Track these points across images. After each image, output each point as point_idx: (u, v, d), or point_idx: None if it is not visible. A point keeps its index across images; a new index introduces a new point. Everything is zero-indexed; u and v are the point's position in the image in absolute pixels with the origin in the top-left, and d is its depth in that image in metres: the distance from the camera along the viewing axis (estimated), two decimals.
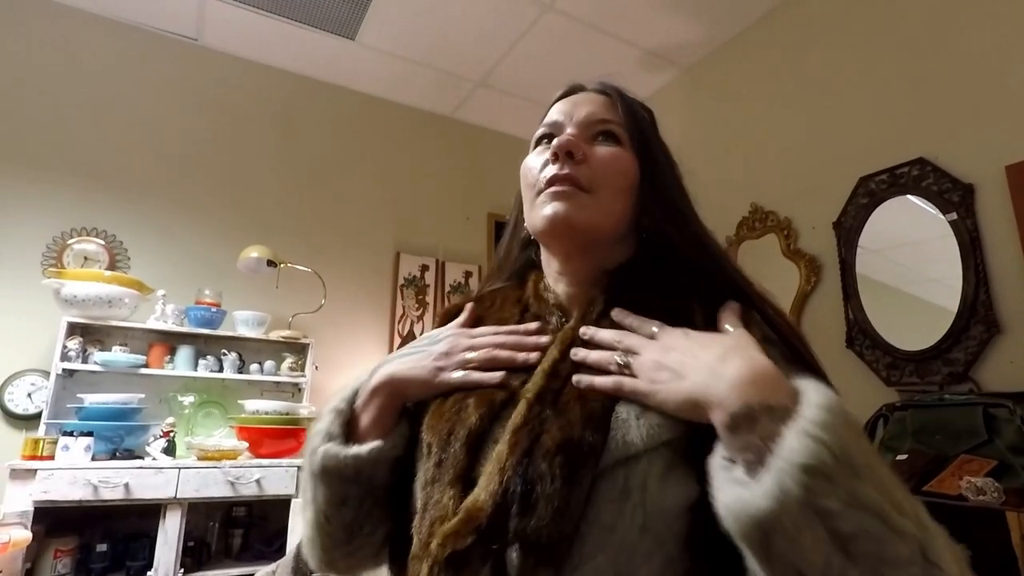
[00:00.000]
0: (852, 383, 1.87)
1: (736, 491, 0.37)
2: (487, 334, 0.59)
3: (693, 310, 0.53)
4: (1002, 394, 1.43)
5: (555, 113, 0.63)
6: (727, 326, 0.49)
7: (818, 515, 0.35)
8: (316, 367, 2.49)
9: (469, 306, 0.65)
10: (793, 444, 0.36)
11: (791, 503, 0.34)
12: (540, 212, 0.57)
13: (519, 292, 0.64)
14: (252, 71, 2.79)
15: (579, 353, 0.52)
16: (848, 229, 1.95)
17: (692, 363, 0.45)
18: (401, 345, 2.78)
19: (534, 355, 0.54)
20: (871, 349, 1.83)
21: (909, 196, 1.80)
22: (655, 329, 0.50)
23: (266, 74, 2.82)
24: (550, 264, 0.62)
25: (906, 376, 1.73)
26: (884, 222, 1.88)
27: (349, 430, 0.57)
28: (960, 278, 1.64)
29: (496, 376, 0.53)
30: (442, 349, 0.58)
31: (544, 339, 0.56)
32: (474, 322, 0.64)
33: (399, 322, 2.88)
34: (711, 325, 0.51)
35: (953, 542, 0.40)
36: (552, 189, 0.56)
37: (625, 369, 0.48)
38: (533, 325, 0.58)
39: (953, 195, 1.68)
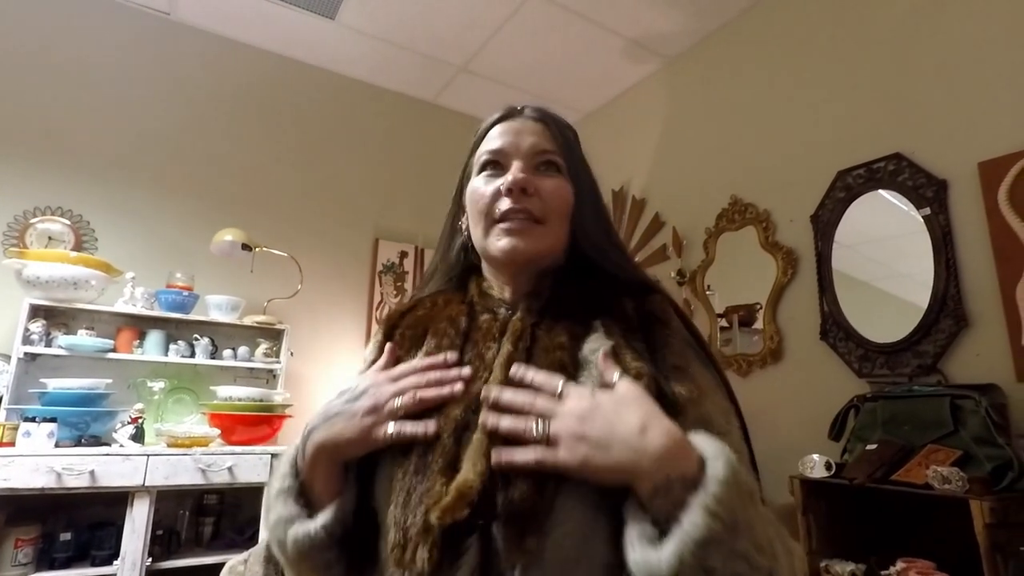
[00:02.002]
0: (825, 374, 1.90)
1: (645, 552, 0.44)
2: (408, 374, 0.59)
3: (623, 302, 0.62)
4: (968, 386, 1.46)
5: (498, 140, 0.67)
6: (613, 377, 0.53)
7: (704, 570, 0.42)
8: (291, 353, 2.45)
9: (389, 347, 0.65)
10: (696, 519, 0.43)
11: (685, 568, 0.42)
12: (498, 244, 0.62)
13: (461, 294, 0.69)
14: (227, 48, 2.71)
15: (490, 420, 0.52)
16: (825, 223, 1.98)
17: (614, 435, 0.48)
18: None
19: (459, 386, 0.56)
20: (844, 341, 1.87)
21: (885, 191, 1.83)
22: (560, 385, 0.52)
23: (242, 52, 2.74)
24: (495, 275, 0.68)
25: (877, 368, 1.77)
26: (859, 217, 1.91)
27: (305, 500, 0.58)
28: (930, 273, 1.68)
29: (430, 427, 0.54)
30: (367, 405, 0.57)
31: (466, 370, 0.58)
32: (420, 324, 0.67)
33: (377, 309, 2.84)
34: (642, 313, 0.61)
35: (798, 560, 0.50)
36: (508, 225, 0.62)
37: (544, 440, 0.49)
38: (452, 355, 0.60)
39: (927, 190, 1.71)
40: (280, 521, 0.57)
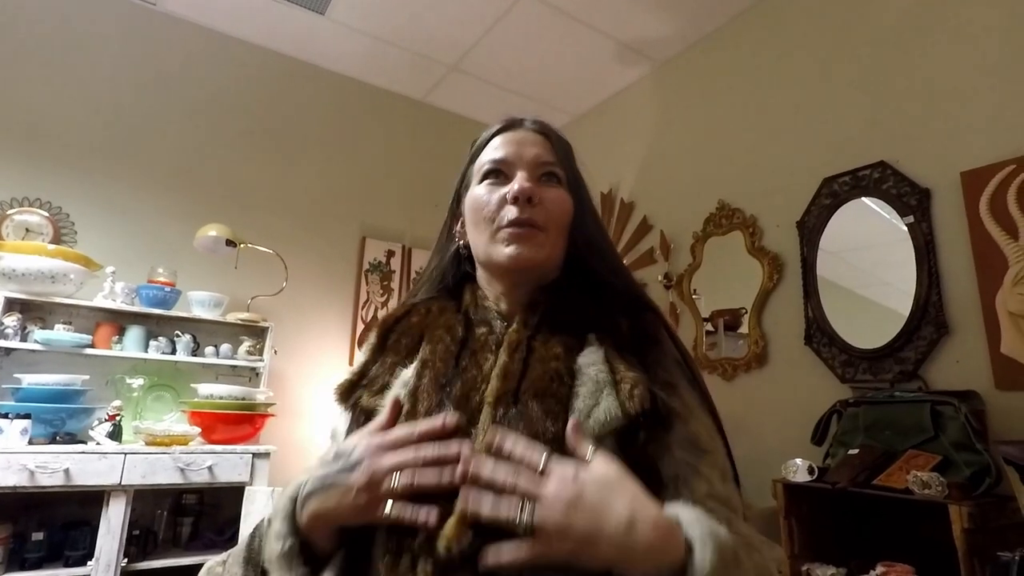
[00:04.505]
0: (809, 379, 1.92)
1: None
2: (405, 442, 0.54)
3: (618, 320, 0.63)
4: (948, 392, 1.49)
5: (501, 150, 0.68)
6: (586, 452, 0.51)
7: None
8: (275, 351, 2.42)
9: (391, 404, 0.59)
10: None
11: None
12: (503, 250, 0.63)
13: (455, 303, 0.69)
14: (214, 41, 2.67)
15: (471, 502, 0.49)
16: (810, 229, 2.00)
17: (601, 530, 0.46)
18: (364, 331, 2.72)
19: (459, 471, 0.50)
20: (828, 347, 1.88)
21: (869, 199, 1.86)
22: (542, 460, 0.49)
23: (229, 45, 2.70)
24: (492, 284, 0.68)
25: (860, 373, 1.78)
26: (844, 224, 1.93)
27: (306, 556, 0.56)
28: (913, 281, 1.70)
29: (432, 517, 0.49)
30: (362, 481, 0.52)
31: (465, 448, 0.52)
32: (415, 331, 0.67)
33: (363, 308, 2.82)
34: (636, 332, 0.62)
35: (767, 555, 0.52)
36: (515, 231, 0.63)
37: (529, 532, 0.47)
38: (451, 419, 0.54)
39: (911, 199, 1.73)
40: None
